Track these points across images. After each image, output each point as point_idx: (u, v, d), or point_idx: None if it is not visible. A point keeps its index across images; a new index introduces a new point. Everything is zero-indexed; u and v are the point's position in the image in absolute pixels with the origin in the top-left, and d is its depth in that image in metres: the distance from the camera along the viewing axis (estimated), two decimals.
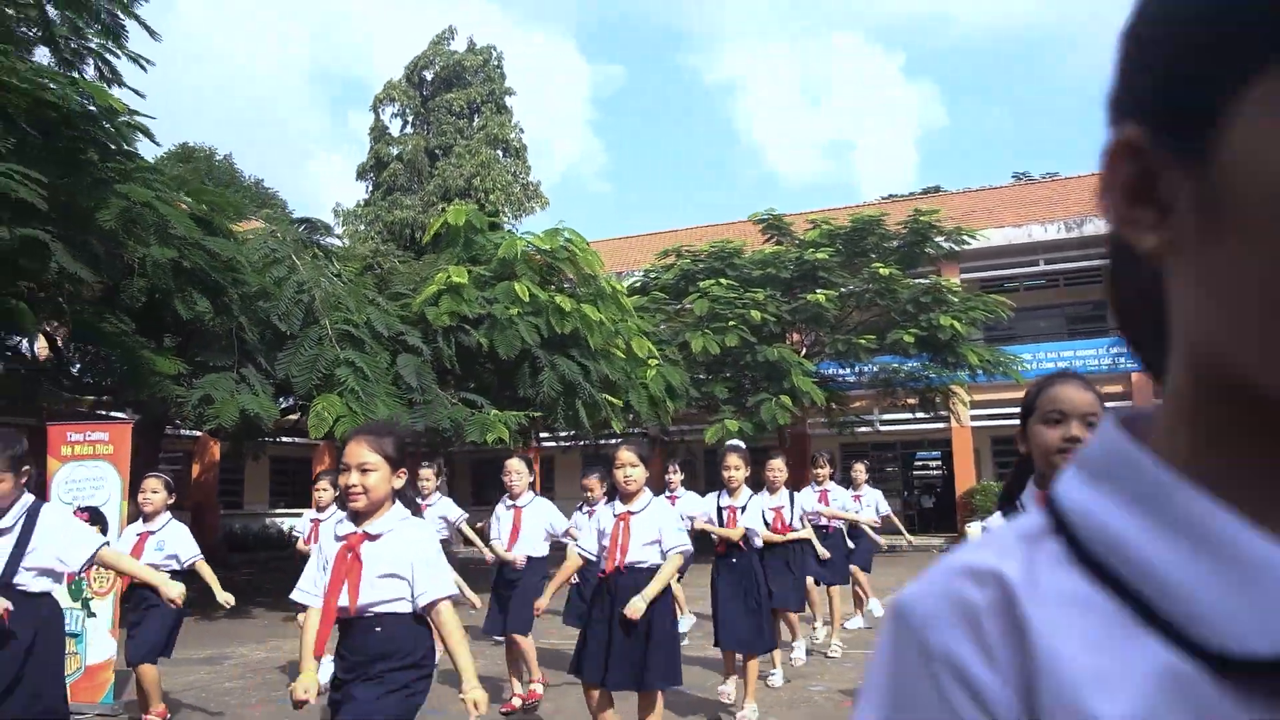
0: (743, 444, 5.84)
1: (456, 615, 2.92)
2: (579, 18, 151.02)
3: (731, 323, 17.87)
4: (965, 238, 20.30)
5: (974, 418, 23.54)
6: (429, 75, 26.19)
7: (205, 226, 9.72)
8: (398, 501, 3.02)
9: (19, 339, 12.02)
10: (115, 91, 9.59)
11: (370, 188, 25.50)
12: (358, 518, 2.96)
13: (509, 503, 6.33)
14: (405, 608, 2.86)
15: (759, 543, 5.50)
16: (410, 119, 26.13)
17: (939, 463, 26.80)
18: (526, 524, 6.18)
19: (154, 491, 5.43)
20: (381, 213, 23.64)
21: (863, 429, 22.91)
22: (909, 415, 21.92)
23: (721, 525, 5.64)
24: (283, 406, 12.23)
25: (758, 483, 7.28)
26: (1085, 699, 0.42)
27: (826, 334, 19.94)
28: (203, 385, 9.67)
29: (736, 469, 5.66)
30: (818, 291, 18.44)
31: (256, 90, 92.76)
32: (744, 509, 5.52)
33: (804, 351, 20.83)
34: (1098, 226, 22.97)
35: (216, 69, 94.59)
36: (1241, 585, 0.42)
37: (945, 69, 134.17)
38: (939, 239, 19.88)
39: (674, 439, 21.60)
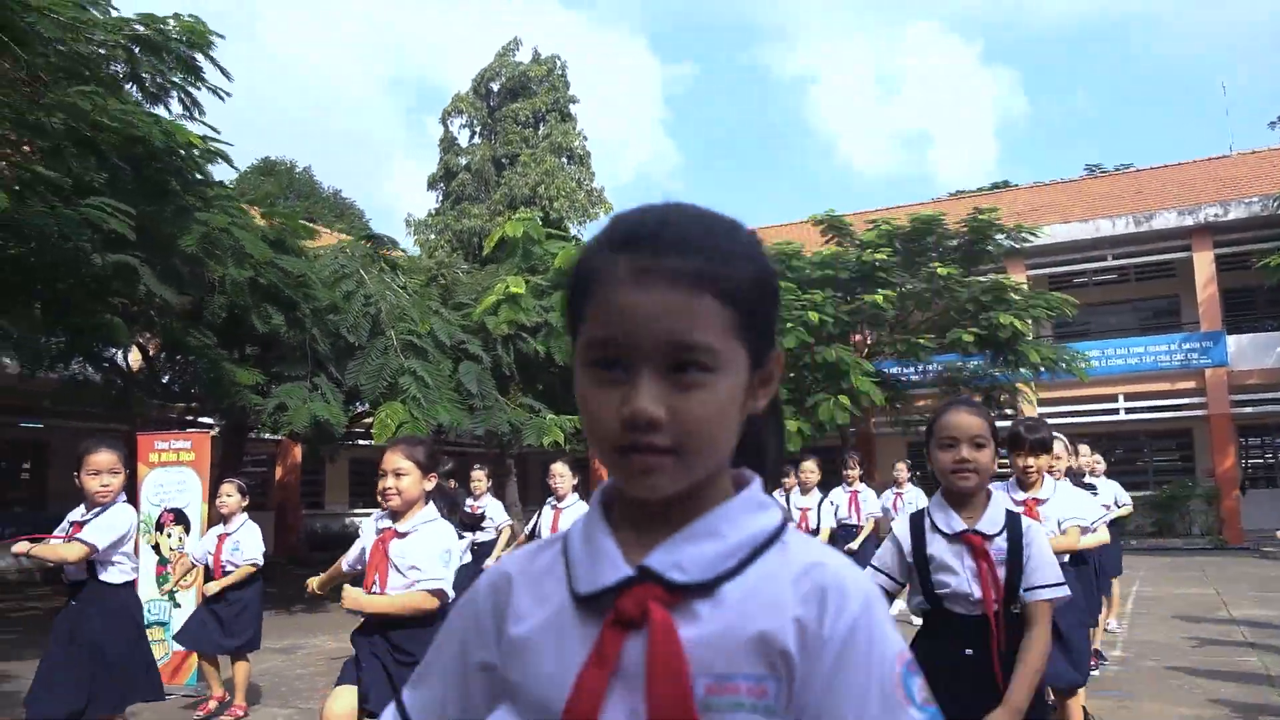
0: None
1: (426, 599, 3.31)
2: (650, 17, 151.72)
3: (789, 324, 18.10)
4: (1026, 235, 20.17)
5: (1044, 415, 23.36)
6: (495, 86, 26.90)
7: (278, 246, 10.42)
8: (430, 503, 3.49)
9: (114, 351, 12.93)
10: (194, 125, 10.37)
11: (440, 198, 26.31)
12: (394, 516, 3.45)
13: (553, 503, 6.82)
14: None
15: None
16: (478, 130, 26.87)
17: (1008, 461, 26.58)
18: (563, 525, 6.65)
19: (229, 495, 6.03)
20: (450, 222, 24.41)
21: (924, 428, 22.92)
22: None
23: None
24: (357, 411, 12.92)
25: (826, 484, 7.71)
26: (528, 614, 0.84)
27: (886, 334, 20.03)
28: (278, 394, 10.36)
29: (813, 473, 6.04)
30: (877, 292, 18.56)
31: (337, 100, 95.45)
32: (816, 510, 5.91)
33: (866, 351, 20.96)
34: (1167, 220, 22.60)
35: (298, 80, 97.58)
36: (591, 559, 0.82)
37: (1025, 56, 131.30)
38: (999, 237, 19.80)
39: None
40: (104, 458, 3.95)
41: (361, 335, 10.92)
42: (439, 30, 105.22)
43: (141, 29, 8.31)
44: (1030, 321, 19.25)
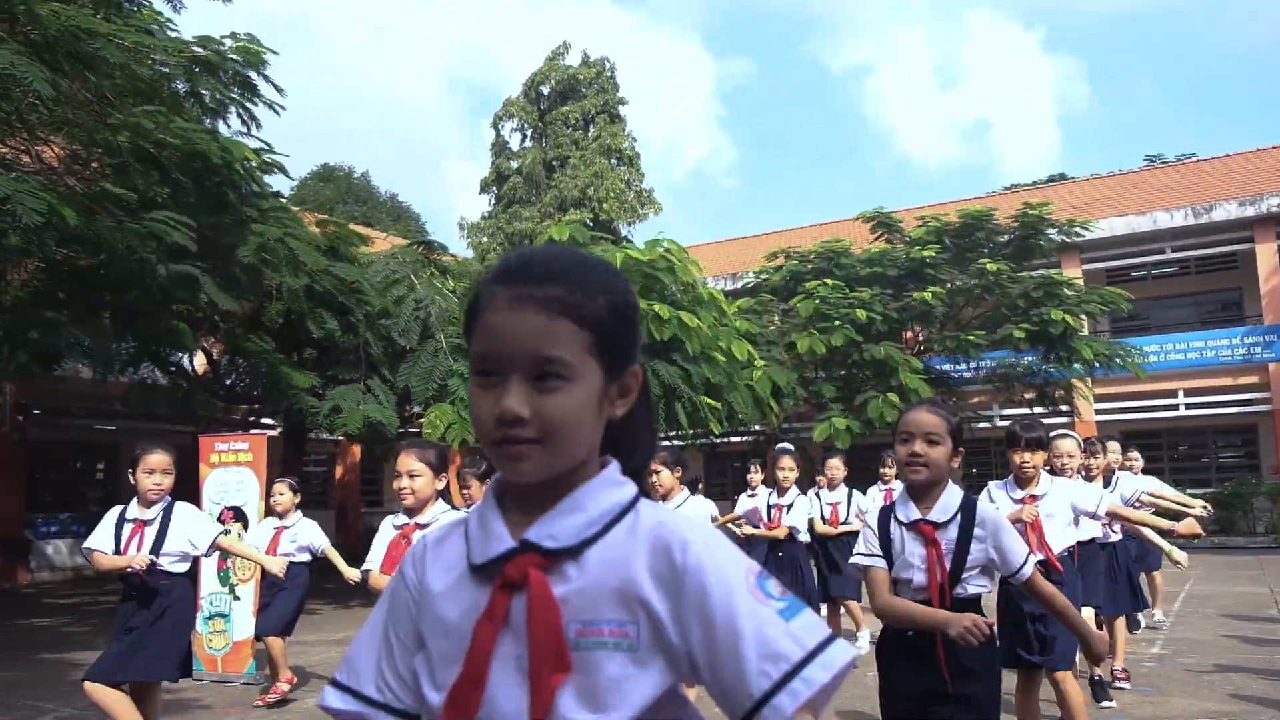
0: (791, 447, 6.37)
1: None
2: (702, 13, 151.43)
3: (837, 322, 18.16)
4: (1079, 229, 19.95)
5: (1101, 411, 23.01)
6: (545, 90, 27.26)
7: (331, 253, 10.82)
8: (440, 499, 3.77)
9: (180, 356, 13.50)
10: (253, 138, 10.82)
11: (492, 201, 26.75)
12: (410, 512, 3.73)
13: None
14: None
15: (805, 538, 6.03)
16: (529, 133, 27.26)
17: None
18: None
19: (281, 494, 6.38)
20: (502, 225, 24.81)
21: (981, 425, 22.74)
22: (1026, 410, 21.66)
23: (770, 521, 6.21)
24: (410, 413, 13.32)
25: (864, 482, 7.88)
26: (437, 582, 1.05)
27: (935, 331, 19.96)
28: (333, 396, 10.76)
29: (791, 470, 6.20)
30: (925, 289, 18.53)
31: (396, 105, 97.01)
32: (790, 507, 6.06)
33: (919, 348, 20.90)
34: (1228, 211, 22.11)
35: (358, 87, 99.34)
36: (484, 536, 1.04)
37: (1089, 42, 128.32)
38: (1051, 231, 19.61)
39: (785, 438, 21.97)
40: (158, 458, 4.29)
41: (412, 338, 11.29)
42: (494, 33, 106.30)
43: (199, 50, 8.72)
44: (1084, 317, 19.03)
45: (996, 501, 4.38)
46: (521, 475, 1.01)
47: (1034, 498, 4.25)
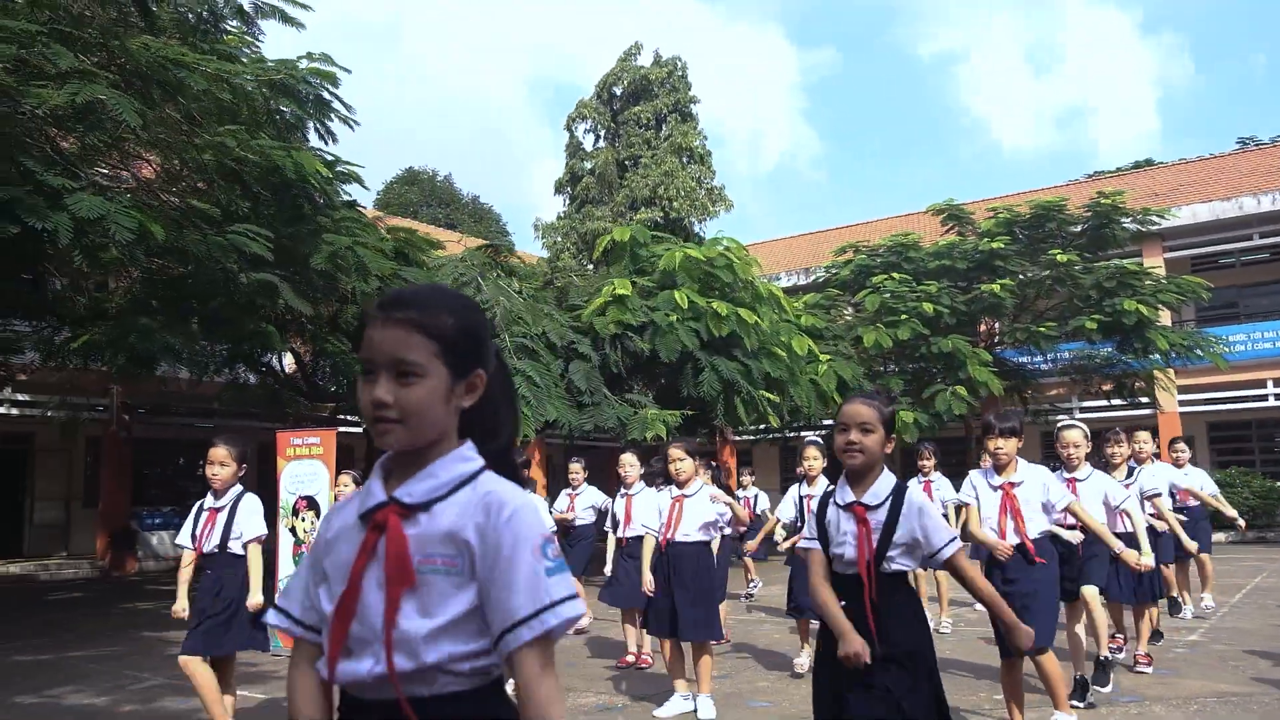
0: (820, 439, 6.64)
1: None
2: (784, 5, 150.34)
3: (904, 316, 18.20)
4: (1155, 217, 19.55)
5: (1186, 403, 22.45)
6: (618, 91, 27.72)
7: (401, 258, 11.44)
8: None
9: (270, 356, 14.34)
10: (337, 148, 11.51)
11: (567, 201, 27.35)
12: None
13: (623, 492, 7.47)
14: None
15: None
16: (601, 134, 27.78)
17: None
18: (635, 511, 7.24)
19: (344, 485, 6.94)
20: (576, 225, 25.37)
21: (1059, 418, 22.41)
22: (1104, 402, 21.31)
23: (800, 513, 6.52)
24: None
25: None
26: (335, 529, 1.47)
27: (1006, 323, 19.80)
28: None
29: (815, 460, 6.49)
30: (993, 281, 18.42)
31: (480, 105, 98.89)
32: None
33: (995, 340, 20.74)
34: None
35: (443, 89, 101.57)
36: (367, 494, 1.46)
37: (1189, 22, 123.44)
38: (1125, 220, 19.25)
39: None
40: (217, 451, 4.85)
41: None
42: (575, 32, 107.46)
43: (276, 75, 9.37)
44: (1160, 308, 18.65)
45: (976, 486, 4.65)
46: (387, 446, 1.43)
47: (1012, 485, 4.50)
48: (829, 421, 22.08)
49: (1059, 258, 18.08)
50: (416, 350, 1.40)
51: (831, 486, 3.13)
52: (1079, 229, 19.59)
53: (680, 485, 5.55)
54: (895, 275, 19.16)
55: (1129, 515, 5.63)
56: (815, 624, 6.43)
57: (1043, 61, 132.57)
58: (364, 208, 13.38)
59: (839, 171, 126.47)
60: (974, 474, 4.80)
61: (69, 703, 6.15)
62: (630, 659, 7.12)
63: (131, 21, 9.28)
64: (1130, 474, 6.43)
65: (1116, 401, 20.95)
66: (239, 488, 4.99)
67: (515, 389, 1.62)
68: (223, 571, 4.90)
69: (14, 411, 16.94)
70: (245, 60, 9.92)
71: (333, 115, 11.09)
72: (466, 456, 1.47)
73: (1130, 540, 5.61)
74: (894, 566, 2.91)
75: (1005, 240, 19.09)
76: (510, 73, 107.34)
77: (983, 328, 21.00)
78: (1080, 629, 5.59)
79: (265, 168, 9.27)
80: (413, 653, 1.36)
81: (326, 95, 9.91)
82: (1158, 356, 18.38)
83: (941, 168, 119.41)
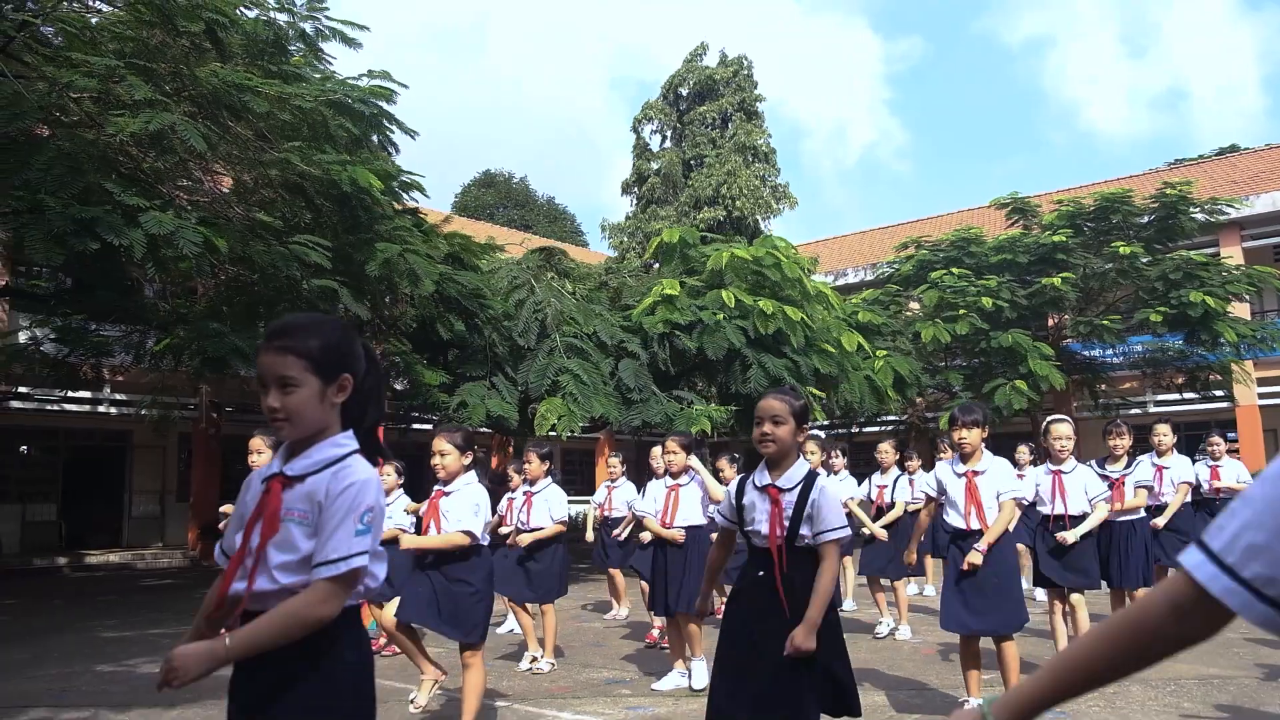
0: (819, 433, 6.94)
1: (460, 538, 4.44)
2: None
3: (961, 310, 18.20)
4: (1225, 207, 19.13)
5: (1266, 395, 21.84)
6: (684, 91, 28.10)
7: (456, 262, 12.06)
8: (470, 471, 4.66)
9: None
10: (400, 158, 12.18)
11: (634, 201, 27.85)
12: (444, 482, 4.66)
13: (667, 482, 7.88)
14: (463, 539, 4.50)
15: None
16: (668, 135, 28.20)
17: None
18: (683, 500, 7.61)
19: (386, 475, 7.51)
20: (641, 225, 25.84)
21: (1133, 411, 22.03)
22: (1178, 396, 20.90)
23: None
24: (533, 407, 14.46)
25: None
26: (251, 490, 2.00)
27: (1070, 317, 19.61)
28: (460, 392, 12.00)
29: (812, 454, 6.83)
30: (1054, 275, 18.28)
31: (558, 106, 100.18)
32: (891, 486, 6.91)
33: (1063, 334, 20.52)
34: None
35: (524, 91, 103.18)
36: (270, 467, 1.95)
37: None
38: (1194, 211, 18.87)
39: (922, 425, 21.99)
40: (254, 441, 5.42)
41: (531, 338, 12.41)
42: (658, 30, 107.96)
43: (335, 95, 10.04)
44: (1243, 298, 18.27)
45: (941, 475, 4.94)
46: (283, 436, 1.96)
47: (975, 473, 4.78)
48: (892, 417, 22.15)
49: (1122, 250, 17.86)
50: (291, 367, 1.90)
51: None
52: (1146, 220, 19.28)
53: (674, 476, 5.99)
54: (955, 270, 19.14)
55: (1095, 508, 5.83)
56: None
57: (1138, 44, 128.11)
58: (432, 211, 14.07)
59: (925, 163, 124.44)
60: (941, 463, 5.16)
61: (142, 671, 6.85)
62: (655, 634, 7.56)
63: (205, 47, 10.06)
64: (1129, 465, 6.60)
65: (1190, 395, 20.53)
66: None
67: (384, 384, 2.10)
68: None
69: (112, 411, 18.19)
70: (310, 80, 10.60)
71: (394, 128, 11.74)
72: (340, 443, 1.97)
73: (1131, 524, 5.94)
74: (804, 543, 3.28)
75: (1067, 233, 18.91)
76: (593, 72, 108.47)
77: (1052, 322, 20.80)
78: (1060, 621, 5.90)
79: (326, 181, 9.95)
80: (271, 577, 1.86)
81: (384, 110, 10.55)
82: (1228, 349, 17.99)
83: (1034, 156, 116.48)
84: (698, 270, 14.35)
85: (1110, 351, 20.69)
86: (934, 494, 5.09)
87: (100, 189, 8.05)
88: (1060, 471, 5.86)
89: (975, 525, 4.77)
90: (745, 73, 27.69)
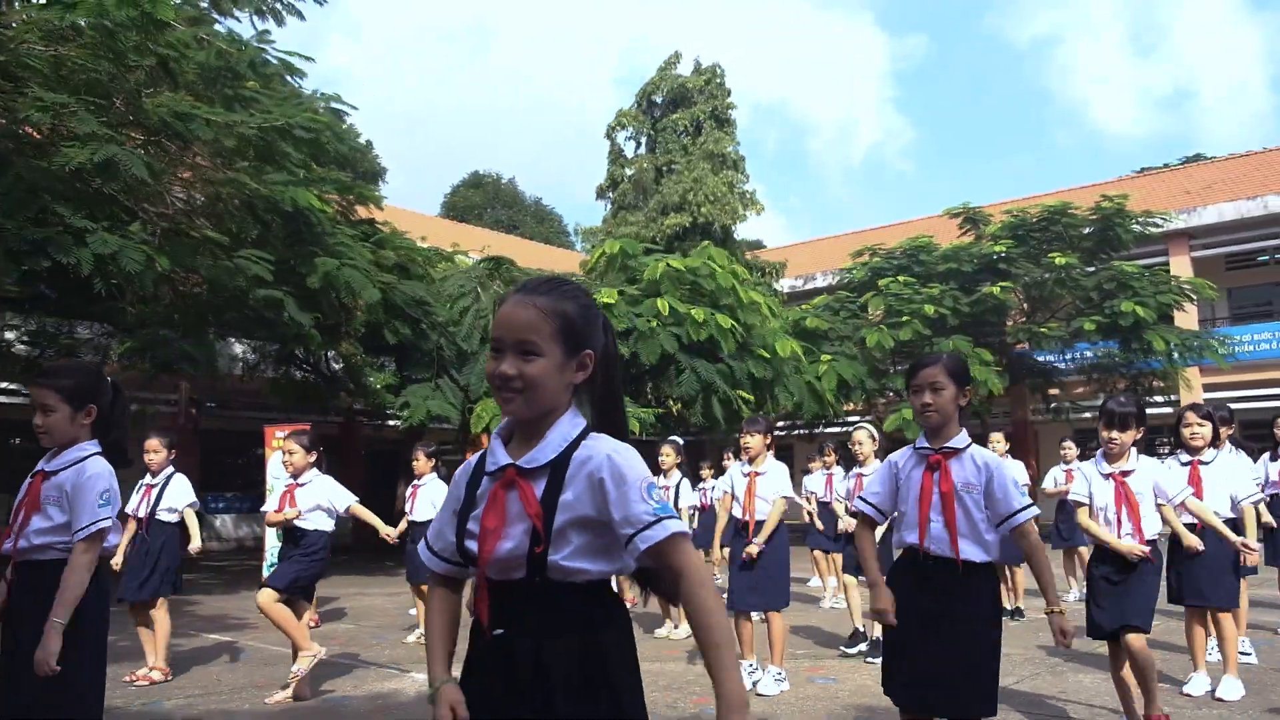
0: (761, 420, 7.33)
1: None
2: None
3: (905, 317, 19.00)
4: (1158, 220, 19.93)
5: (1211, 401, 22.55)
6: (658, 99, 28.90)
7: (403, 271, 12.93)
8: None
9: (312, 358, 16.03)
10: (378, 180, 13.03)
11: (608, 206, 28.70)
12: (293, 477, 5.56)
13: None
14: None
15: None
16: (642, 141, 29.01)
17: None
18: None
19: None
20: (613, 229, 26.68)
21: (1085, 415, 22.80)
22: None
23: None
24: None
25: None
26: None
27: (1012, 325, 20.41)
28: (406, 393, 12.88)
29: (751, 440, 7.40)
30: (993, 284, 19.07)
31: (565, 103, 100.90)
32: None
33: (1009, 340, 21.29)
34: None
35: (526, 90, 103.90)
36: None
37: None
38: (1131, 223, 19.64)
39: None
40: (150, 441, 6.29)
41: (473, 343, 13.28)
42: (664, 28, 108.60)
43: (278, 122, 10.88)
44: (1168, 307, 19.02)
45: (1088, 475, 4.68)
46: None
47: (1124, 474, 4.47)
48: (854, 418, 22.94)
49: (1058, 260, 18.65)
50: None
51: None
52: (1088, 231, 20.06)
53: (665, 475, 6.96)
54: (902, 278, 19.94)
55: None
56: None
57: (1145, 42, 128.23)
58: (416, 214, 14.91)
59: (930, 161, 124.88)
60: (1085, 464, 4.81)
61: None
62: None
63: (159, 76, 10.89)
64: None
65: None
66: (169, 468, 6.41)
67: (127, 411, 3.01)
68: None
69: None
70: (263, 105, 11.38)
71: (341, 146, 12.52)
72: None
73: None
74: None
75: (1008, 244, 19.70)
76: (597, 72, 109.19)
77: (1011, 325, 21.60)
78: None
79: (271, 200, 10.81)
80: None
81: (331, 132, 11.37)
82: (1158, 358, 18.79)
83: (1040, 155, 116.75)
84: (638, 280, 15.18)
85: (1063, 357, 21.49)
86: (1083, 499, 4.60)
87: (54, 211, 8.93)
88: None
89: (1128, 528, 4.42)
90: (718, 81, 28.46)
